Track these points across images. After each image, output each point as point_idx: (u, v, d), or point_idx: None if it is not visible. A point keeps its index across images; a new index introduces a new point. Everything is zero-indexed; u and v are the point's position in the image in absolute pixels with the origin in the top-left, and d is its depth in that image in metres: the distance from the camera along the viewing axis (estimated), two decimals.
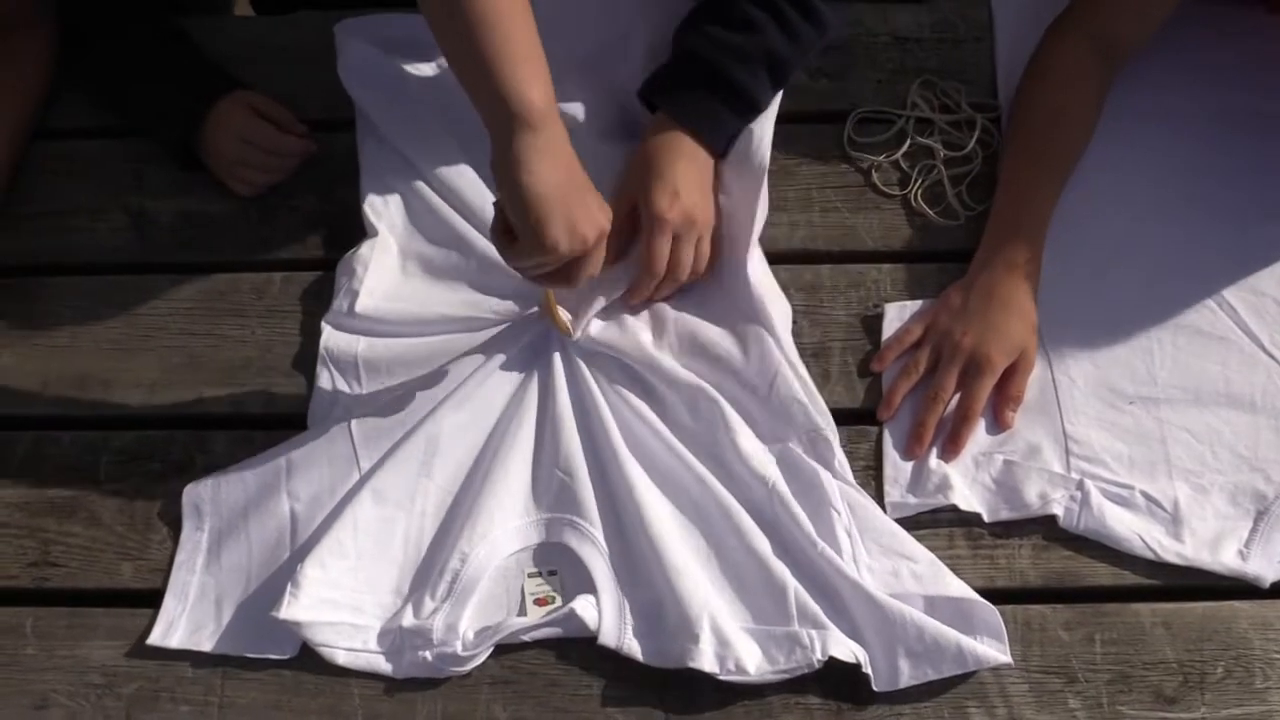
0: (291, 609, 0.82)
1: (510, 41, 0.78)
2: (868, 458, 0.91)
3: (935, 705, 0.81)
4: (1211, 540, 0.86)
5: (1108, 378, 0.93)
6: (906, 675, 0.80)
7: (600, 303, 0.92)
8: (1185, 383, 0.92)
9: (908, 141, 1.04)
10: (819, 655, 0.80)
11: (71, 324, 1.00)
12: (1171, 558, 0.85)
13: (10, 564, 0.89)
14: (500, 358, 0.91)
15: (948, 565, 0.86)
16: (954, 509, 0.87)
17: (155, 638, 0.85)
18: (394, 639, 0.83)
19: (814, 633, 0.81)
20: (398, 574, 0.86)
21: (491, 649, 0.83)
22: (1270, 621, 0.84)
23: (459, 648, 0.82)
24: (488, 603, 0.85)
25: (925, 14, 1.11)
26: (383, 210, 1.00)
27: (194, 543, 0.88)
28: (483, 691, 0.83)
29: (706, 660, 0.80)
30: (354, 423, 0.90)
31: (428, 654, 0.82)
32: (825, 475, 0.86)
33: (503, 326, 0.94)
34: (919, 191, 1.02)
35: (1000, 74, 1.07)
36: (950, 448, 0.90)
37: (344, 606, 0.83)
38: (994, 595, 0.85)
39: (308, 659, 0.84)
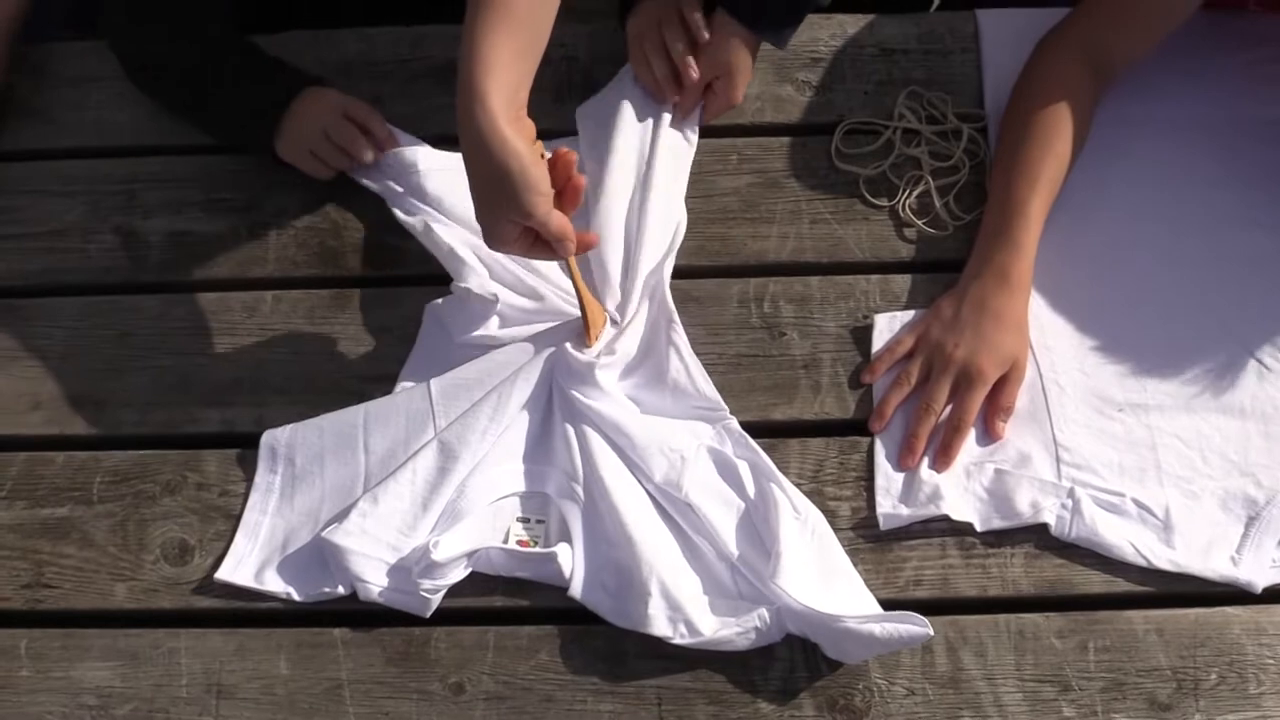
0: (335, 534, 0.86)
1: (505, 34, 0.81)
2: (859, 469, 0.91)
3: (929, 716, 0.81)
4: (1203, 546, 0.87)
5: (1097, 385, 0.93)
6: (853, 655, 0.83)
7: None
8: (1175, 389, 0.93)
9: (895, 152, 1.05)
10: (768, 621, 0.82)
11: (63, 344, 1.00)
12: (1163, 564, 0.86)
13: (4, 586, 0.89)
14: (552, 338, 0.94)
15: (940, 575, 0.87)
16: (946, 519, 0.87)
17: (224, 573, 0.88)
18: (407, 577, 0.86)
19: (765, 610, 0.82)
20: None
21: (468, 567, 0.86)
22: (1263, 627, 0.84)
23: (434, 554, 0.83)
24: (476, 534, 0.87)
25: (912, 25, 1.12)
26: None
27: (267, 484, 0.91)
28: (478, 708, 0.83)
29: (658, 625, 0.82)
30: (433, 382, 0.92)
31: (414, 570, 0.84)
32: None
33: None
34: (907, 202, 1.02)
35: (986, 84, 1.08)
36: (942, 458, 0.90)
37: (383, 544, 0.86)
38: (987, 605, 0.86)
39: (302, 675, 0.85)
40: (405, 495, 0.88)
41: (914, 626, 0.80)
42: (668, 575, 0.83)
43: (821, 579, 0.83)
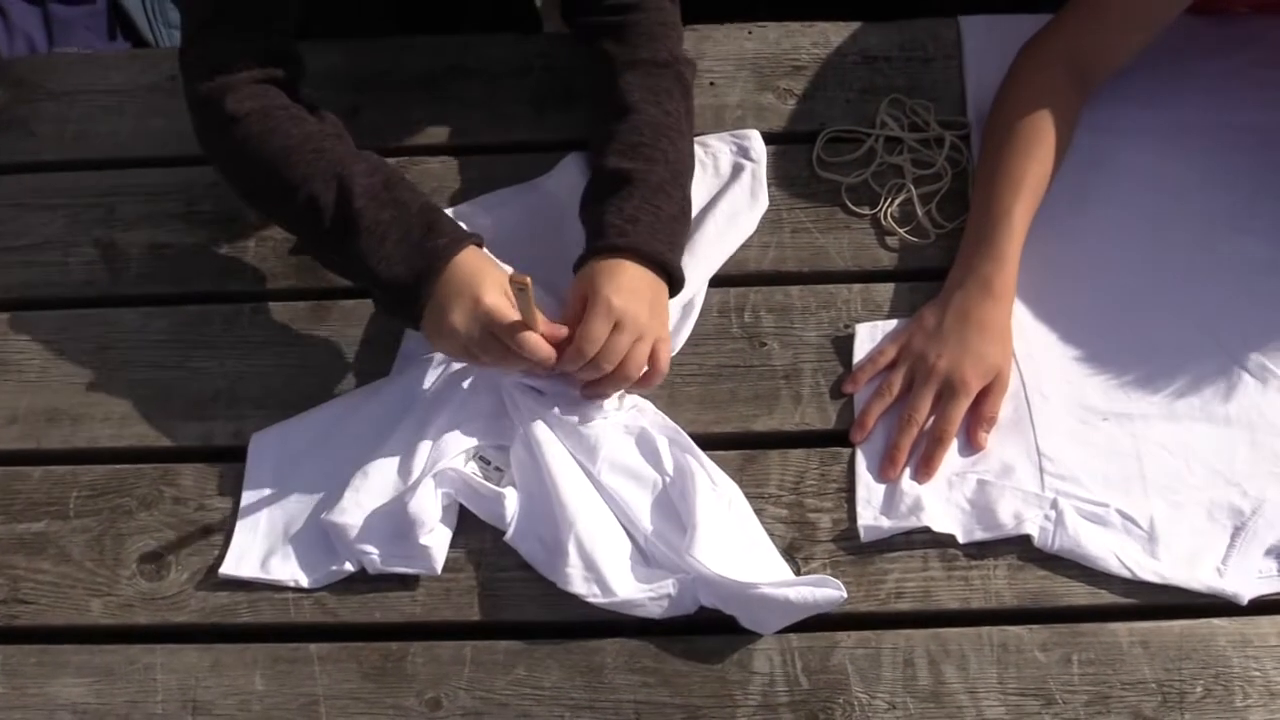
0: (333, 514, 0.87)
1: None
2: (840, 480, 0.90)
3: None
4: (1188, 557, 0.86)
5: (1081, 395, 0.92)
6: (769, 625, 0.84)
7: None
8: (1160, 398, 0.92)
9: (877, 160, 1.04)
10: (679, 590, 0.84)
11: (41, 358, 0.99)
12: (1148, 576, 0.85)
13: None
14: None
15: (922, 588, 0.86)
16: (928, 531, 0.87)
17: (228, 568, 0.88)
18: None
19: (677, 579, 0.84)
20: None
21: (448, 499, 0.88)
22: (1249, 639, 0.83)
23: (410, 505, 0.85)
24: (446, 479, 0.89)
25: (894, 33, 1.11)
26: None
27: (259, 478, 0.92)
28: None
29: (575, 584, 0.85)
30: (428, 369, 0.94)
31: (409, 529, 0.86)
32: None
33: None
34: (889, 210, 1.02)
35: (969, 92, 1.07)
36: (923, 469, 0.89)
37: (379, 514, 0.87)
38: (970, 617, 0.85)
39: (278, 691, 0.84)
40: (393, 465, 0.89)
41: (829, 590, 0.82)
42: (585, 536, 0.86)
43: (737, 550, 0.85)
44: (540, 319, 0.86)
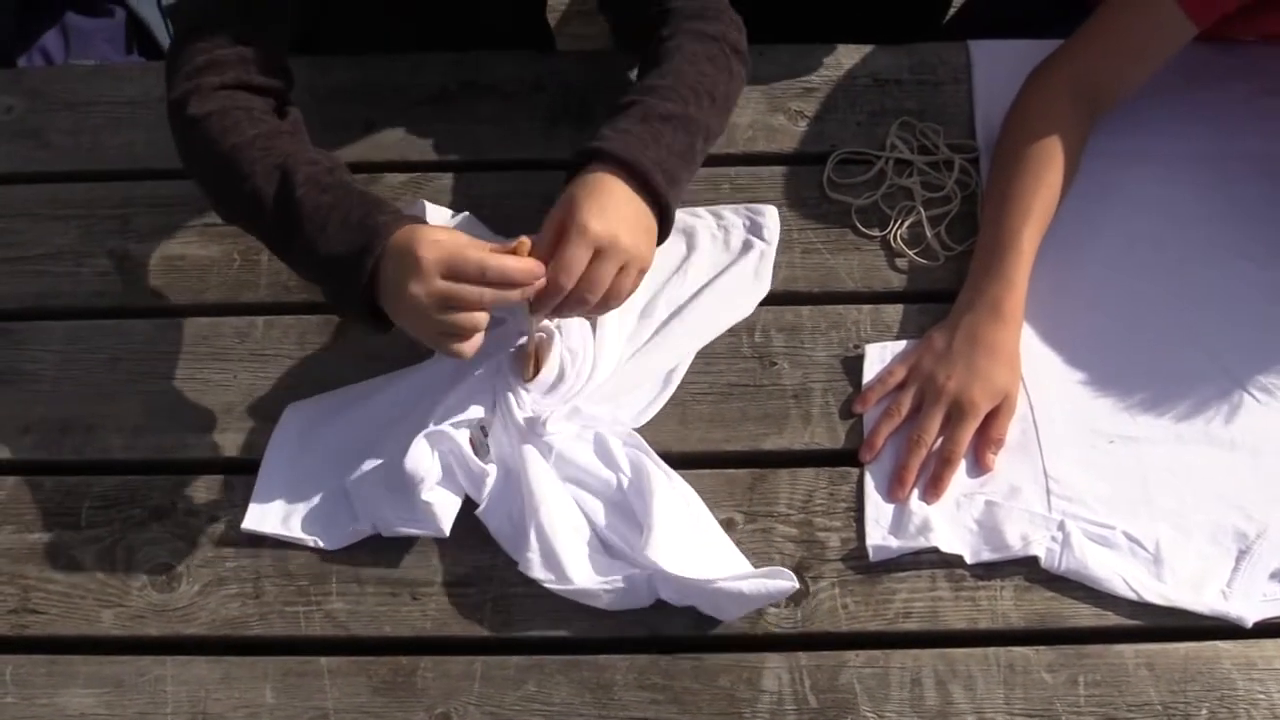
0: (351, 482, 0.90)
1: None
2: (849, 499, 0.91)
3: None
4: (1193, 580, 0.86)
5: (1088, 418, 0.93)
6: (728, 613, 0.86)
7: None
8: (1165, 422, 0.93)
9: (887, 182, 1.05)
10: (637, 583, 0.85)
11: (54, 368, 1.00)
12: (1154, 598, 0.86)
13: None
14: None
15: (930, 608, 0.86)
16: (936, 551, 0.87)
17: (250, 523, 0.91)
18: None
19: (636, 573, 0.85)
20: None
21: (441, 456, 0.89)
22: (1254, 661, 0.84)
23: (408, 465, 0.86)
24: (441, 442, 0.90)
25: (905, 56, 1.12)
26: None
27: (284, 441, 0.94)
28: None
29: (535, 569, 0.86)
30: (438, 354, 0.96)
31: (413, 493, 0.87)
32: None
33: None
34: (899, 232, 1.03)
35: (978, 115, 1.08)
36: (932, 490, 0.90)
37: (395, 481, 0.89)
38: (977, 638, 0.86)
39: (288, 704, 0.84)
40: (408, 437, 0.89)
41: (780, 581, 0.84)
42: (546, 523, 0.87)
43: (694, 545, 0.86)
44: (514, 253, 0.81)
